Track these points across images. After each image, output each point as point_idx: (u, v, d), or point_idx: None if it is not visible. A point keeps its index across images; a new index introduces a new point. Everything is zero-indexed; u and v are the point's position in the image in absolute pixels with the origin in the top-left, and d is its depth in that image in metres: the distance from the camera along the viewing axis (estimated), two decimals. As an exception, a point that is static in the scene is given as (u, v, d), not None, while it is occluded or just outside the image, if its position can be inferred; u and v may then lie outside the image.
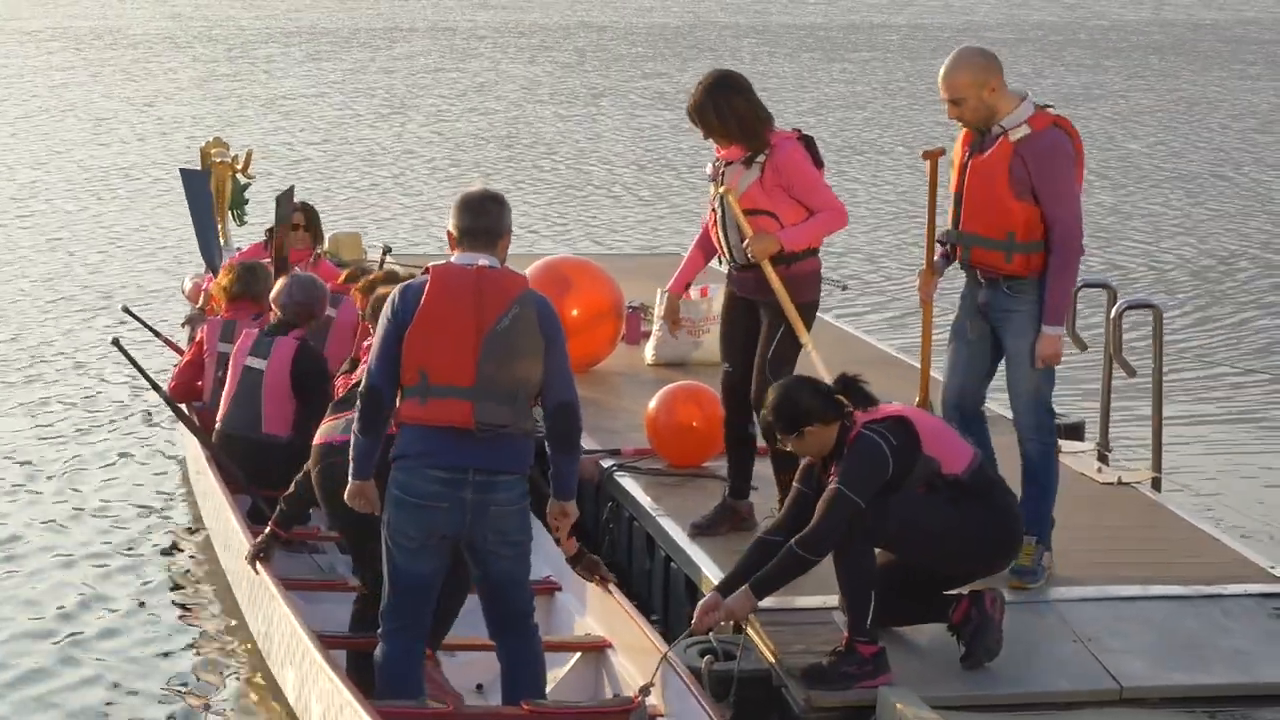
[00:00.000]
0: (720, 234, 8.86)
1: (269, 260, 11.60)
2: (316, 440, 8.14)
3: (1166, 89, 40.13)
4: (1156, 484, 10.31)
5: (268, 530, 8.53)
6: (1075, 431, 11.54)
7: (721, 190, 8.74)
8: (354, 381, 8.08)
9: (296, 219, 12.00)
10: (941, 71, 8.39)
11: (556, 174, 27.28)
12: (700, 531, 9.04)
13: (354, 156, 28.63)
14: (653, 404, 10.37)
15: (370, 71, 41.93)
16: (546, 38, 51.93)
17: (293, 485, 8.37)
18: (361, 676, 7.53)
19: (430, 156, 28.82)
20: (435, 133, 31.58)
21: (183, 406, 10.73)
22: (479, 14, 60.28)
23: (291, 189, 12.13)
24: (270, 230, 12.18)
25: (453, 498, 7.04)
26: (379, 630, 7.38)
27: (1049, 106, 8.43)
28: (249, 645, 9.22)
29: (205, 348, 10.77)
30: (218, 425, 10.20)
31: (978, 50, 8.46)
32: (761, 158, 8.68)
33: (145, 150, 29.02)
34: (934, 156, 8.89)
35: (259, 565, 8.50)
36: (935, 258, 8.72)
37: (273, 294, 10.33)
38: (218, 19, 56.59)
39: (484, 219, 7.15)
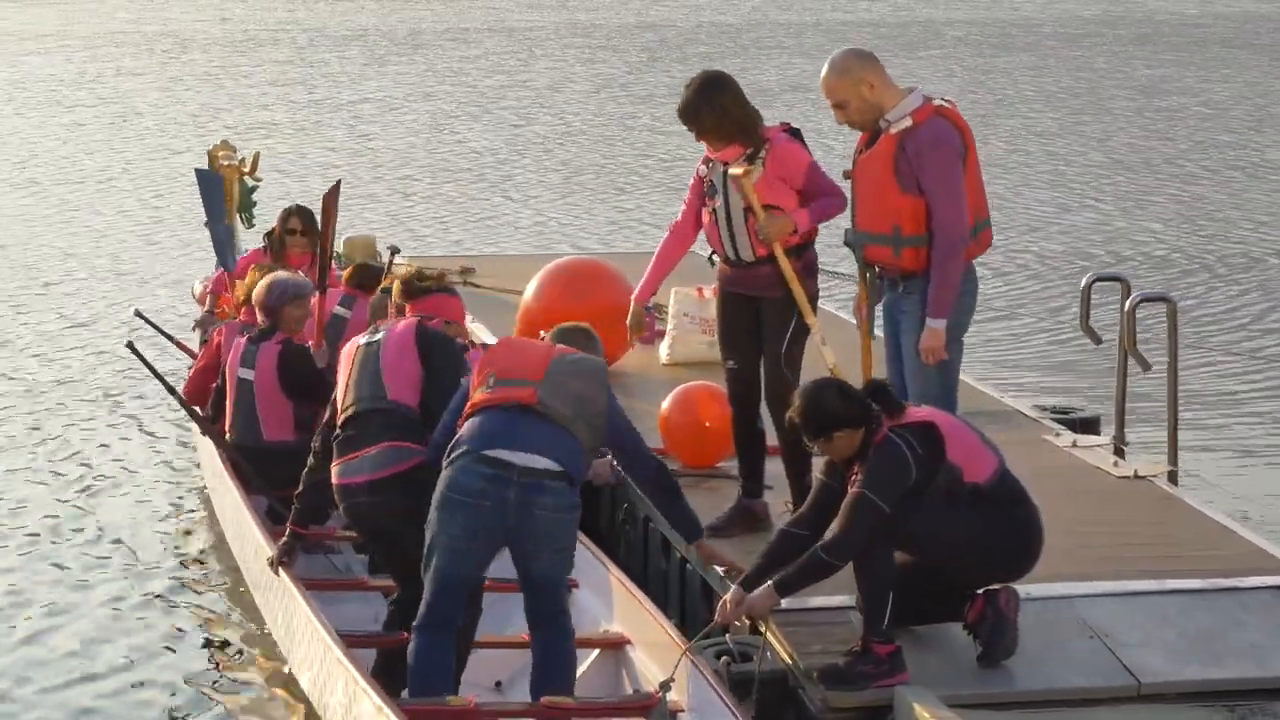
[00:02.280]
0: (725, 233, 8.84)
1: (270, 264, 11.58)
2: (335, 481, 8.10)
3: (1244, 83, 39.78)
4: (1173, 477, 10.29)
5: (288, 532, 8.55)
6: (1091, 426, 11.53)
7: (738, 172, 8.64)
8: (330, 420, 8.11)
9: (294, 224, 11.97)
10: (821, 78, 8.37)
11: (563, 175, 27.26)
12: (715, 533, 8.99)
13: (394, 161, 28.60)
14: (666, 404, 10.36)
15: (422, 75, 41.84)
16: (591, 37, 51.83)
17: (301, 483, 8.38)
18: (390, 677, 7.60)
19: (473, 160, 28.75)
20: (483, 136, 31.57)
21: (197, 409, 10.76)
22: (530, 14, 60.13)
23: (338, 183, 12.11)
24: (269, 234, 12.17)
25: (497, 496, 7.20)
26: (413, 624, 7.46)
27: (943, 99, 8.34)
28: (268, 646, 9.24)
29: (221, 351, 10.78)
30: (227, 436, 10.23)
31: (852, 51, 8.43)
32: (763, 153, 8.67)
33: (159, 153, 29.06)
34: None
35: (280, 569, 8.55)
36: (873, 279, 8.61)
37: (255, 294, 10.28)
38: (267, 23, 56.63)
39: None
